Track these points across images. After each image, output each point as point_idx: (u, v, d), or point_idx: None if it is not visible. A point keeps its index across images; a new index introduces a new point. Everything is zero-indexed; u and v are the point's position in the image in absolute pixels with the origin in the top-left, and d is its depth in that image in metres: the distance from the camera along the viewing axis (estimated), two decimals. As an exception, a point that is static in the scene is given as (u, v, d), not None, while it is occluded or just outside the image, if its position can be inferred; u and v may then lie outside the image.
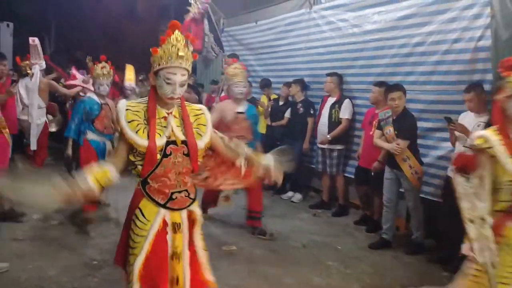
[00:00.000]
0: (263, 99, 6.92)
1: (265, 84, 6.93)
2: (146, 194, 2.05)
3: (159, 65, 2.00)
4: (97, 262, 3.66)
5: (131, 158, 2.04)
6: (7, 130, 3.19)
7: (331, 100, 5.52)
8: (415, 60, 4.66)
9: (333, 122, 5.43)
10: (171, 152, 2.02)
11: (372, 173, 4.71)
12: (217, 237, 4.42)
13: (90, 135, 4.44)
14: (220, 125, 4.24)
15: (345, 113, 5.38)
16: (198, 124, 2.13)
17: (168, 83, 1.98)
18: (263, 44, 7.53)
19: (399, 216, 4.78)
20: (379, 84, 4.81)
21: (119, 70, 10.31)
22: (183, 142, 2.05)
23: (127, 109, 2.03)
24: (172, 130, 2.04)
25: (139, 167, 2.03)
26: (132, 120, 2.01)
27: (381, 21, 5.07)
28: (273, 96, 6.78)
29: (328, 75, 5.53)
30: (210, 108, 6.90)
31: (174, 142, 2.03)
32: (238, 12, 8.54)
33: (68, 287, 3.24)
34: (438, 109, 4.39)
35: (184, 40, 2.06)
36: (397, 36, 4.85)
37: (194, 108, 2.20)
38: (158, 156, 1.99)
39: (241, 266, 3.80)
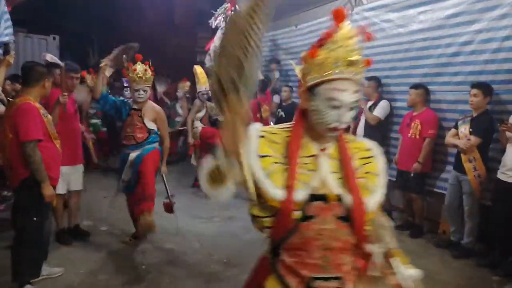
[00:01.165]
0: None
1: (305, 88, 6.87)
2: (275, 271, 1.38)
3: (318, 77, 1.32)
4: (145, 267, 3.74)
5: (255, 211, 1.38)
6: (59, 140, 3.29)
7: (369, 104, 5.41)
8: (463, 59, 4.48)
9: (368, 124, 5.30)
10: (315, 214, 1.32)
11: (412, 174, 4.67)
12: (259, 241, 4.39)
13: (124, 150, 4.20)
14: None
15: (377, 111, 5.21)
16: (367, 172, 1.43)
17: (332, 106, 1.31)
18: (303, 48, 7.46)
19: (445, 220, 4.63)
20: (416, 86, 4.74)
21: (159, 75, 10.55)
22: (339, 198, 1.34)
23: (262, 136, 1.38)
24: (323, 178, 1.35)
25: (261, 220, 1.37)
26: (266, 156, 1.35)
27: (427, 21, 4.91)
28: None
29: (366, 79, 5.41)
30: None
31: (323, 198, 1.33)
32: (277, 17, 8.54)
33: (118, 291, 3.32)
34: (489, 109, 4.20)
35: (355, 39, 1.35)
36: (444, 35, 4.69)
37: (360, 146, 1.49)
38: (295, 216, 1.30)
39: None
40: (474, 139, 3.99)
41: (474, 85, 4.11)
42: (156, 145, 4.16)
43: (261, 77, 8.13)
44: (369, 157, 1.47)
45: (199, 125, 6.46)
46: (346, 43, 1.31)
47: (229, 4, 7.90)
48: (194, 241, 4.39)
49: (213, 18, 8.30)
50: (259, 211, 1.36)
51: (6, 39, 4.29)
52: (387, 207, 5.39)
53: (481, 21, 4.28)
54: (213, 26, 8.22)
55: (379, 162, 1.49)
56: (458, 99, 4.47)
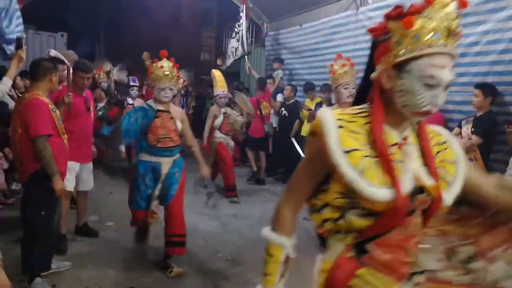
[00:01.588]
0: (307, 103, 6.91)
1: (309, 88, 6.92)
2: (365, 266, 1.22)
3: (413, 49, 1.12)
4: (152, 263, 3.77)
5: (335, 199, 1.20)
6: (66, 136, 3.33)
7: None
8: (469, 60, 4.51)
9: None
10: (417, 207, 1.20)
11: None
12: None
13: (142, 155, 3.64)
14: None
15: None
16: (442, 161, 1.27)
17: (428, 85, 1.13)
18: (307, 47, 7.52)
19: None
20: None
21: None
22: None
23: (340, 126, 1.17)
24: (415, 170, 1.20)
25: (354, 223, 1.19)
26: (353, 150, 1.15)
27: (432, 21, 4.93)
28: (317, 100, 6.75)
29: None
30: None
31: (421, 191, 1.19)
32: (281, 16, 8.58)
33: (126, 286, 3.35)
34: (495, 111, 4.22)
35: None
36: (450, 36, 4.71)
37: (431, 131, 1.33)
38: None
39: (289, 271, 3.79)
40: (475, 139, 4.02)
41: (476, 85, 4.16)
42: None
43: (256, 76, 8.24)
44: (443, 143, 1.32)
45: (219, 136, 6.08)
46: (446, 10, 1.11)
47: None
48: (199, 239, 4.42)
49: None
50: (342, 200, 1.18)
51: (17, 36, 4.35)
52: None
53: (488, 22, 4.31)
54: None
55: (455, 148, 1.32)
56: (464, 100, 4.49)
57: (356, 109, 1.26)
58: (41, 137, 3.01)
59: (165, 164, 3.60)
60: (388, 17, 1.18)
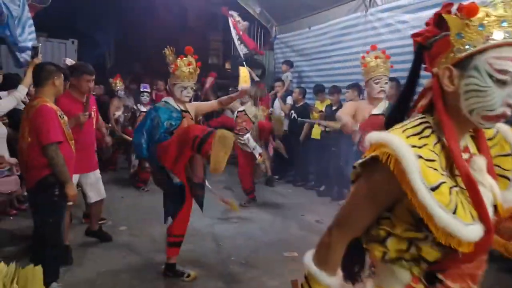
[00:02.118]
0: (317, 105, 6.90)
1: (319, 90, 6.91)
2: None
3: (479, 41, 0.98)
4: (165, 266, 3.78)
5: (404, 232, 1.07)
6: (73, 141, 3.35)
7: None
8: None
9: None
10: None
11: None
12: (277, 243, 4.44)
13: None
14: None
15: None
16: (496, 156, 1.17)
17: (501, 81, 0.98)
18: (316, 49, 7.52)
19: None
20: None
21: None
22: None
23: (419, 156, 0.97)
24: (491, 186, 1.06)
25: (426, 255, 1.06)
26: (439, 184, 0.96)
27: (443, 21, 4.91)
28: (327, 102, 6.73)
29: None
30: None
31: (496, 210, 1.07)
32: (290, 19, 8.58)
33: (139, 290, 3.37)
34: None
35: None
36: (461, 36, 4.68)
37: (488, 134, 1.18)
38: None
39: (303, 273, 3.78)
40: None
41: None
42: None
43: (256, 79, 8.26)
44: (494, 137, 1.20)
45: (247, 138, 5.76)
46: None
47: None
48: (212, 242, 4.43)
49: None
50: (412, 232, 1.05)
51: (30, 44, 4.42)
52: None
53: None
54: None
55: (509, 136, 1.18)
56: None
57: (414, 125, 1.06)
58: (53, 145, 3.02)
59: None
60: (439, 15, 1.07)
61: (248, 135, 5.72)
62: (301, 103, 7.11)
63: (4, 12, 3.86)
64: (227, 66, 15.83)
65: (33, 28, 4.85)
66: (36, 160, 3.06)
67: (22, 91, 3.48)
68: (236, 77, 12.05)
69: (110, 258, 3.92)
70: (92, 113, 3.94)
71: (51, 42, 8.25)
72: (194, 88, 3.42)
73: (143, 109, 6.60)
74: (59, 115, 3.16)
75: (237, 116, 5.88)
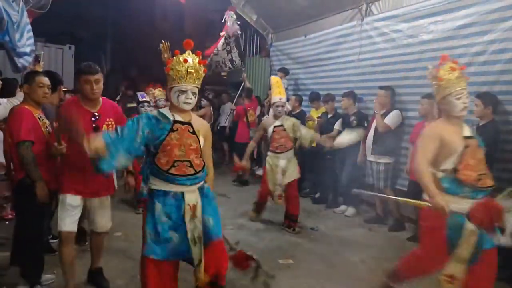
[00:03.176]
0: (313, 113, 6.94)
1: (314, 98, 6.95)
2: None
3: None
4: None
5: None
6: (63, 143, 3.41)
7: (381, 112, 5.46)
8: (475, 70, 4.52)
9: (378, 133, 5.35)
10: None
11: None
12: (272, 250, 4.44)
13: (153, 182, 2.66)
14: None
15: (388, 120, 5.28)
16: None
17: None
18: (312, 57, 7.57)
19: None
20: (428, 96, 4.76)
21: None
22: None
23: None
24: None
25: None
26: None
27: (437, 31, 4.98)
28: (322, 110, 6.77)
29: (381, 88, 5.45)
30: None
31: None
32: (286, 27, 8.64)
33: (135, 296, 3.35)
34: (502, 120, 4.24)
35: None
36: (455, 45, 4.75)
37: None
38: None
39: (299, 281, 3.80)
40: None
41: (477, 95, 4.18)
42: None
43: (248, 85, 8.42)
44: None
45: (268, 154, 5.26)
46: None
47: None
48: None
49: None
50: None
51: (28, 49, 4.44)
52: (398, 218, 5.42)
53: (494, 32, 4.33)
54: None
55: None
56: (470, 109, 4.49)
57: None
58: (24, 143, 3.07)
59: (189, 193, 2.62)
60: None
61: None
62: (298, 111, 7.14)
63: (4, 18, 3.87)
64: (223, 73, 15.87)
65: (31, 34, 4.86)
66: (16, 161, 3.18)
67: (20, 98, 3.50)
68: (234, 84, 12.17)
69: (106, 265, 3.89)
70: (105, 125, 3.18)
71: (48, 48, 8.29)
72: (196, 92, 2.66)
73: None
74: (38, 117, 3.19)
75: (273, 131, 5.16)
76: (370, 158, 5.53)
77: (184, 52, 2.66)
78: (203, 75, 2.71)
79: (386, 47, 5.78)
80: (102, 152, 2.41)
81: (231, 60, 8.56)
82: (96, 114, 3.15)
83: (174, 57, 2.65)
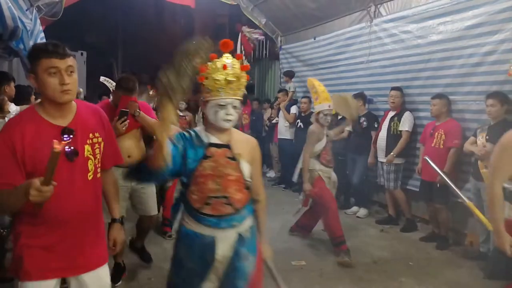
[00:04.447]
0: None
1: (324, 99, 6.94)
2: None
3: None
4: (154, 279, 3.78)
5: None
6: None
7: (391, 114, 5.48)
8: (486, 69, 4.51)
9: (392, 135, 5.37)
10: None
11: (438, 185, 4.64)
12: (285, 252, 4.47)
13: (185, 218, 2.13)
14: None
15: (404, 125, 5.30)
16: None
17: None
18: (322, 59, 7.59)
19: (472, 231, 4.61)
20: (439, 96, 4.78)
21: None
22: None
23: None
24: None
25: None
26: None
27: (446, 31, 4.97)
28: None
29: (393, 89, 5.46)
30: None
31: None
32: (295, 29, 8.67)
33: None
34: (509, 119, 4.22)
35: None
36: (465, 46, 4.73)
37: None
38: None
39: (311, 282, 3.82)
40: (489, 146, 4.02)
41: (490, 95, 4.17)
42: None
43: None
44: None
45: (316, 166, 4.57)
46: None
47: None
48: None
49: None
50: None
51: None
52: (410, 218, 5.41)
53: (504, 31, 4.31)
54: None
55: None
56: (481, 109, 4.49)
57: None
58: None
59: (223, 240, 2.06)
60: None
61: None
62: (308, 113, 7.17)
63: (19, 26, 3.97)
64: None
65: (44, 41, 4.97)
66: None
67: None
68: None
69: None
70: (89, 147, 1.95)
71: (60, 54, 8.43)
72: (237, 106, 2.10)
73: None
74: None
75: (327, 141, 4.68)
76: (382, 159, 5.54)
77: (221, 55, 2.10)
78: (245, 84, 2.15)
79: (395, 48, 5.78)
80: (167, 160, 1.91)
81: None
82: (66, 128, 1.86)
83: (210, 63, 2.07)
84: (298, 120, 7.34)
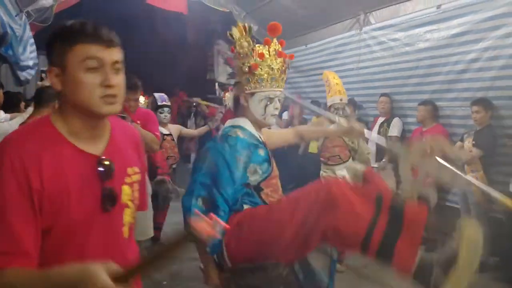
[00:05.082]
0: (314, 120, 7.01)
1: (315, 106, 7.01)
2: None
3: None
4: (166, 282, 3.82)
5: None
6: None
7: (381, 119, 5.54)
8: (471, 76, 4.59)
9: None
10: None
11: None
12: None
13: None
14: None
15: (394, 130, 5.36)
16: None
17: None
18: (313, 66, 7.66)
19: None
20: (425, 103, 4.89)
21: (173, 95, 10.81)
22: None
23: None
24: None
25: None
26: None
27: (433, 39, 5.05)
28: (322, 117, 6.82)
29: (383, 95, 5.54)
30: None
31: None
32: (287, 37, 8.71)
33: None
34: (497, 124, 4.29)
35: None
36: (451, 53, 4.82)
37: None
38: None
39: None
40: (475, 151, 4.10)
41: (475, 101, 4.27)
42: None
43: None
44: None
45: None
46: None
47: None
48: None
49: None
50: None
51: (31, 62, 4.54)
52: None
53: (487, 40, 4.40)
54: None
55: None
56: (467, 114, 4.56)
57: None
58: None
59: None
60: None
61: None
62: (300, 119, 7.23)
63: (9, 32, 3.98)
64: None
65: (34, 47, 4.98)
66: None
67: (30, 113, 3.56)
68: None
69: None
70: (128, 188, 1.28)
71: (51, 60, 8.39)
72: (281, 100, 1.94)
73: (166, 132, 4.74)
74: None
75: (326, 138, 4.32)
76: (373, 164, 5.57)
77: (270, 42, 1.91)
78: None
79: (384, 55, 5.86)
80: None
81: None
82: (103, 160, 1.21)
83: (258, 47, 1.89)
84: (290, 126, 7.38)
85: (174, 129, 5.03)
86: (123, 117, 2.78)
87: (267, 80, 1.86)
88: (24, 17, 4.81)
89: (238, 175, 1.72)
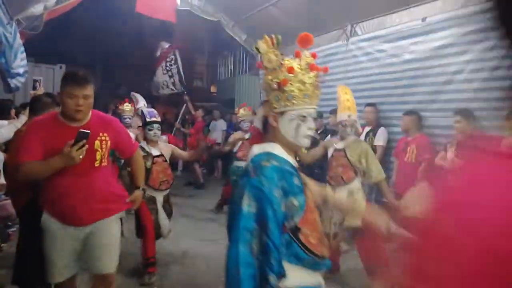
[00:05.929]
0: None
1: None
2: None
3: None
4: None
5: None
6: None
7: (366, 129, 5.66)
8: (455, 87, 4.74)
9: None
10: None
11: None
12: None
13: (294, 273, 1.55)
14: None
15: (379, 140, 5.48)
16: None
17: None
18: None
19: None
20: (408, 113, 5.01)
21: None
22: None
23: None
24: None
25: None
26: None
27: (418, 51, 5.21)
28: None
29: (368, 105, 5.66)
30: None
31: None
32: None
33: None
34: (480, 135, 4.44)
35: None
36: (435, 65, 4.97)
37: None
38: None
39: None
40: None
41: (456, 112, 4.38)
42: None
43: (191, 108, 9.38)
44: None
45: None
46: None
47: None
48: (201, 264, 4.50)
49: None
50: None
51: (21, 70, 4.54)
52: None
53: (470, 52, 4.56)
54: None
55: None
56: (450, 124, 4.69)
57: None
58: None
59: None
60: None
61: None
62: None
63: (3, 41, 3.98)
64: (213, 89, 16.06)
65: (24, 55, 4.98)
66: (19, 184, 3.01)
67: (23, 120, 3.57)
68: (223, 101, 12.28)
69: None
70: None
71: (39, 67, 8.36)
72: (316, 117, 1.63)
73: (156, 152, 4.31)
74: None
75: (332, 156, 4.15)
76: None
77: (300, 54, 1.75)
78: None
79: (370, 66, 6.00)
80: None
81: (173, 83, 9.95)
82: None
83: (287, 61, 1.72)
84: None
85: (166, 149, 4.44)
86: (85, 134, 2.41)
87: (299, 97, 1.63)
88: (14, 25, 4.80)
89: (281, 213, 1.49)
